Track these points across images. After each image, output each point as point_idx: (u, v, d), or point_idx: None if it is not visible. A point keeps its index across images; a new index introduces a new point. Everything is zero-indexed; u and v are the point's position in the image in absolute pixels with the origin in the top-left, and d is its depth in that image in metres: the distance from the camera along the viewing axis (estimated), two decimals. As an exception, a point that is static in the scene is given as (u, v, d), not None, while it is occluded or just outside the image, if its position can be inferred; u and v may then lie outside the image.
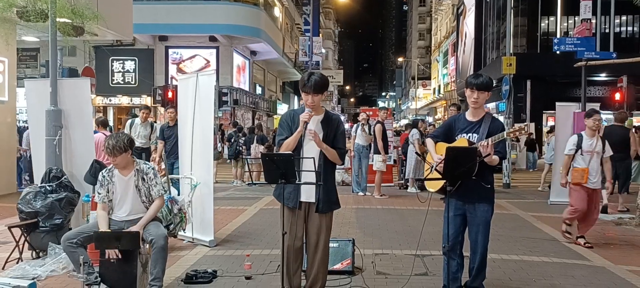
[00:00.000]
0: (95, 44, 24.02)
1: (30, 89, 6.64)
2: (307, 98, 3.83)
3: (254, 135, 14.20)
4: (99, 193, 4.36)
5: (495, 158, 3.96)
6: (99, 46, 24.71)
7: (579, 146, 6.30)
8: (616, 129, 9.20)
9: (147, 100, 25.69)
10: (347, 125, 21.43)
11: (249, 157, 13.81)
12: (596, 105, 10.48)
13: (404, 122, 48.28)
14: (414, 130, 11.96)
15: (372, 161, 10.87)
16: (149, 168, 4.44)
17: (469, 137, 4.09)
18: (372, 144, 10.85)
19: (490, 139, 3.87)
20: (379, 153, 10.65)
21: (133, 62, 25.95)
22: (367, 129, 10.85)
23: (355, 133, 11.07)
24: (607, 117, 23.79)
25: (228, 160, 14.94)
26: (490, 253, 4.41)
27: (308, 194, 3.87)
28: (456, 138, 4.16)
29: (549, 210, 9.19)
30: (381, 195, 10.58)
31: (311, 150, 3.81)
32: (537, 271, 5.18)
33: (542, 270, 5.21)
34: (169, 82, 23.15)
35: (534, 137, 20.46)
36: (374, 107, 16.10)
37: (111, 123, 22.52)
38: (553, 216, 8.52)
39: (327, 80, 3.96)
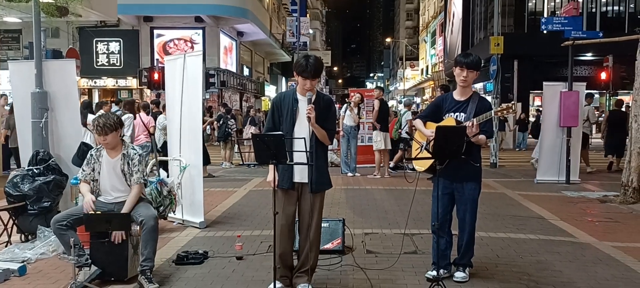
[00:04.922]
0: (79, 25, 23.56)
1: (15, 71, 6.51)
2: (305, 83, 3.82)
3: (250, 117, 14.24)
4: (84, 171, 4.37)
5: (482, 137, 4.01)
6: (82, 27, 24.24)
7: None
8: (618, 112, 12.28)
9: (133, 82, 25.43)
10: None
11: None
12: (583, 85, 10.58)
13: (392, 103, 48.25)
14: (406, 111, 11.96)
15: (372, 140, 10.76)
16: (135, 153, 4.41)
17: (457, 116, 4.13)
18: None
19: (475, 119, 3.91)
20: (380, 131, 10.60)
21: (118, 43, 25.53)
22: (356, 110, 10.82)
23: (344, 113, 11.05)
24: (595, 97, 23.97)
25: (216, 142, 14.89)
26: (478, 231, 4.48)
27: (301, 175, 3.88)
28: (444, 117, 4.20)
29: (535, 189, 9.32)
30: (374, 175, 10.63)
31: (302, 131, 3.81)
32: (523, 248, 5.27)
33: (528, 247, 5.31)
34: (155, 64, 22.86)
35: (525, 117, 20.60)
36: (362, 88, 16.05)
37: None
38: (539, 194, 8.67)
39: (322, 62, 3.99)
